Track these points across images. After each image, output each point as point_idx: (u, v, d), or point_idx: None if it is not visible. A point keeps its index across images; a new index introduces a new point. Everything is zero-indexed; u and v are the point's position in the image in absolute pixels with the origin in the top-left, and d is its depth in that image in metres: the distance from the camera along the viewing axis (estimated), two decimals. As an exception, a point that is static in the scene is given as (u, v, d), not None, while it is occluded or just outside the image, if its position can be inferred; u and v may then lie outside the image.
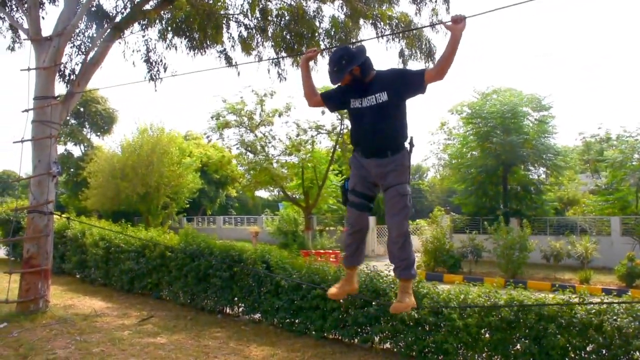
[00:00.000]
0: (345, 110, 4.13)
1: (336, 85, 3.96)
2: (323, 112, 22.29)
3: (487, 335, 6.17)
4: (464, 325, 6.20)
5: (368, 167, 3.83)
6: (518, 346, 5.98)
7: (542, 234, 20.55)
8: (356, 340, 7.31)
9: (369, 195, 3.93)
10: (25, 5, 9.66)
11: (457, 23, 3.50)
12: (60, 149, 34.87)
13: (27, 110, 8.89)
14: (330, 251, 19.29)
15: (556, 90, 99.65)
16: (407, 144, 3.88)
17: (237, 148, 26.12)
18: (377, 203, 21.16)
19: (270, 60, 11.30)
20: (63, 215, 11.47)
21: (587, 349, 5.64)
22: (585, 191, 30.05)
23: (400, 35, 11.40)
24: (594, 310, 5.69)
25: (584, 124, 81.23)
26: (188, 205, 34.52)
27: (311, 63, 4.16)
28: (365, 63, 3.80)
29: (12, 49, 11.30)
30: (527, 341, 5.88)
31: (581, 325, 5.63)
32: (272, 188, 30.16)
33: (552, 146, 22.66)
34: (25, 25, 9.48)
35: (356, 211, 3.93)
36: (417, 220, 30.17)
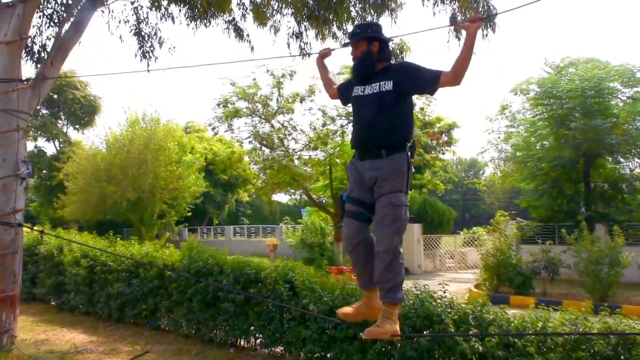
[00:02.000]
0: None
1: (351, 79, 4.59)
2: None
3: (575, 376, 5.92)
4: (545, 361, 5.96)
5: (362, 171, 4.14)
6: (618, 390, 5.72)
7: (640, 245, 20.04)
8: (405, 380, 7.13)
9: (367, 202, 4.15)
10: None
11: (474, 22, 3.94)
12: (30, 146, 35.37)
13: (-14, 97, 8.89)
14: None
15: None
16: (407, 149, 4.14)
17: (250, 142, 26.23)
18: (424, 208, 20.95)
19: (290, 32, 11.24)
20: (35, 228, 11.51)
21: None
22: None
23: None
24: None
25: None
26: (190, 213, 34.86)
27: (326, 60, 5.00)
28: (387, 47, 4.37)
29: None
30: (630, 384, 5.62)
31: None
32: (293, 190, 30.18)
33: (650, 131, 22.09)
34: (-22, -11, 9.48)
35: (355, 222, 4.18)
36: (474, 228, 29.87)
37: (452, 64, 3.94)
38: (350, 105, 4.53)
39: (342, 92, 4.62)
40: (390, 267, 3.90)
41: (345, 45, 4.54)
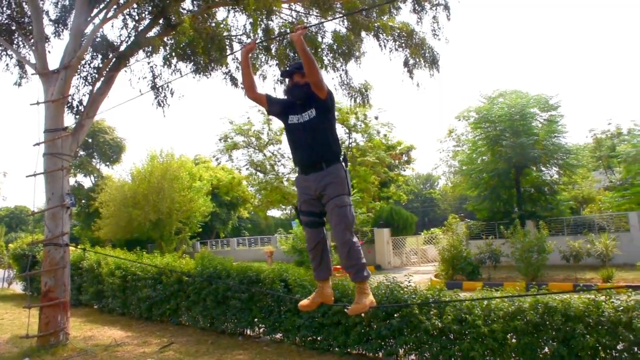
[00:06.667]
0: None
1: (282, 98, 4.43)
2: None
3: (513, 340, 6.08)
4: (490, 331, 6.12)
5: (308, 184, 4.07)
6: (546, 349, 5.88)
7: (560, 235, 20.33)
8: (380, 354, 7.24)
9: (316, 212, 4.11)
10: (32, 41, 9.83)
11: (296, 31, 3.97)
12: (71, 181, 35.14)
13: (38, 144, 9.00)
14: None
15: (563, 88, 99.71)
16: (341, 159, 4.15)
17: (247, 169, 26.26)
18: (391, 215, 20.88)
19: (275, 79, 11.39)
20: (79, 247, 11.51)
21: (618, 347, 5.52)
22: (600, 188, 29.79)
23: (404, 45, 11.47)
24: (622, 308, 5.59)
25: (594, 121, 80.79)
26: (201, 229, 34.58)
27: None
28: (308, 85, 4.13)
29: (19, 85, 11.44)
30: (555, 343, 5.79)
31: (610, 324, 5.53)
32: (284, 206, 30.13)
33: (562, 145, 22.46)
34: (33, 60, 9.63)
35: (310, 229, 4.16)
36: (432, 229, 30.02)
37: None
38: (272, 114, 4.51)
39: (272, 104, 4.36)
40: (349, 255, 3.91)
41: (285, 72, 4.36)
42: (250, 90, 4.33)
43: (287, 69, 4.41)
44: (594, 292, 6.09)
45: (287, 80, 4.30)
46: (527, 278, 14.50)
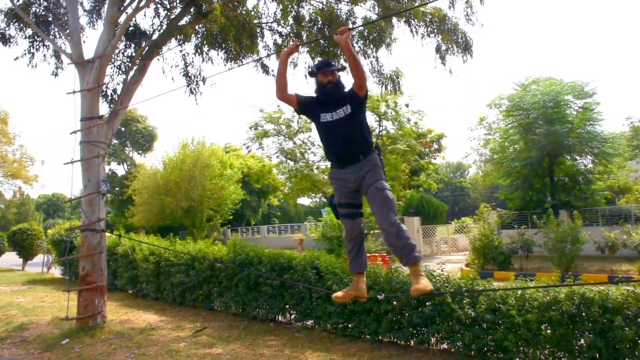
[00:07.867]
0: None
1: (310, 96, 4.41)
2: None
3: (548, 331, 5.97)
4: (524, 321, 6.01)
5: (346, 177, 4.15)
6: (582, 341, 5.75)
7: (595, 225, 19.91)
8: (412, 342, 7.20)
9: (356, 203, 4.23)
10: (67, 31, 9.98)
11: (342, 34, 3.98)
12: (106, 169, 35.83)
13: (75, 132, 9.17)
14: (377, 254, 19.04)
15: (600, 75, 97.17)
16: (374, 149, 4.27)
17: (277, 156, 26.37)
18: (422, 204, 20.73)
19: (307, 66, 11.33)
20: (115, 233, 11.72)
21: (659, 341, 5.38)
22: (637, 178, 29.02)
23: (436, 30, 11.28)
24: (663, 300, 5.43)
25: (631, 108, 78.36)
26: (231, 217, 34.85)
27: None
28: (340, 80, 4.27)
29: (56, 74, 11.67)
30: (591, 335, 5.65)
31: (650, 316, 5.38)
32: (313, 194, 30.17)
33: (598, 134, 21.92)
34: (68, 50, 9.80)
35: (350, 220, 4.22)
36: (463, 218, 29.71)
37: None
38: (302, 113, 4.57)
39: (303, 104, 4.38)
40: (399, 235, 3.88)
41: (319, 68, 4.30)
42: (282, 90, 4.30)
43: (314, 68, 4.44)
44: (633, 284, 5.93)
45: (317, 77, 4.27)
46: (560, 269, 14.24)
